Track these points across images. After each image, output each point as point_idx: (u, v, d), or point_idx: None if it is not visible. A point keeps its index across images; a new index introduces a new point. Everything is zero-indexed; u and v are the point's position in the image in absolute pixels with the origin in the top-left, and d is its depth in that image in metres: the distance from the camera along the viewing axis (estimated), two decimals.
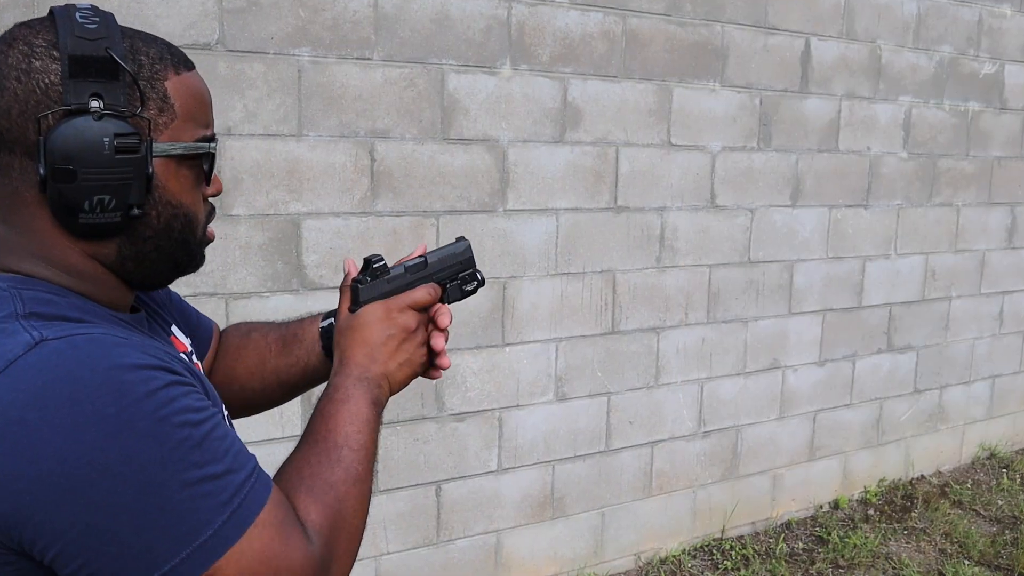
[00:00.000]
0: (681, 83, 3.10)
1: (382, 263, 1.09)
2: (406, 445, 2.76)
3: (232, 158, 2.37)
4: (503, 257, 2.82)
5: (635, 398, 3.21)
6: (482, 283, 1.20)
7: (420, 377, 1.12)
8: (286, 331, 1.24)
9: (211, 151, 0.89)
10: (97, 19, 0.81)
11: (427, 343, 1.10)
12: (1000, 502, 4.05)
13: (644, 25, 2.98)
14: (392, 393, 1.06)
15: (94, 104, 0.79)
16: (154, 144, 0.83)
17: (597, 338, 3.07)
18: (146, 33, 0.87)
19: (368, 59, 2.52)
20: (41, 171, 0.78)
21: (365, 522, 0.92)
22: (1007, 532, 3.75)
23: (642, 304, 3.15)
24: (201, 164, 0.90)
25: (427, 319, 1.09)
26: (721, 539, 3.56)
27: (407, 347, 1.06)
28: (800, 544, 3.61)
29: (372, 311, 1.06)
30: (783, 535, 3.65)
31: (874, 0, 3.55)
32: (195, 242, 0.92)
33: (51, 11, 0.82)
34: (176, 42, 2.27)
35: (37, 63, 0.78)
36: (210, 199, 0.95)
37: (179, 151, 0.86)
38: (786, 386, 3.62)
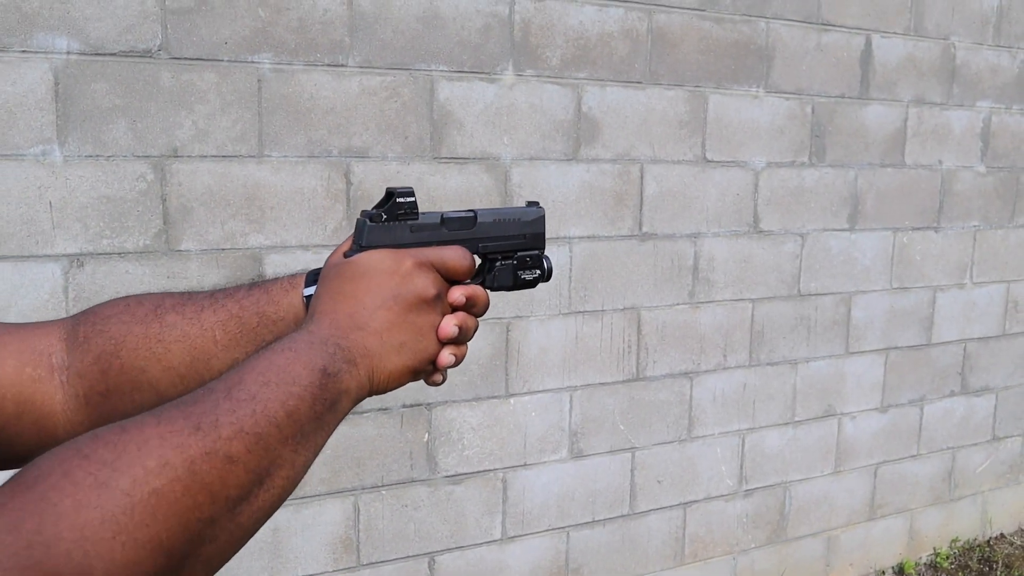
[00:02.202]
0: (718, 89, 2.67)
1: (411, 200, 0.77)
2: (392, 512, 2.38)
3: (180, 184, 2.02)
4: (506, 294, 2.43)
5: (664, 454, 2.78)
6: (547, 276, 0.85)
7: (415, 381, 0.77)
8: (239, 310, 0.81)
9: None
10: None
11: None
12: None
13: (674, 22, 2.57)
14: (373, 389, 0.71)
15: None
16: None
17: (619, 386, 2.66)
18: None
19: (342, 66, 2.15)
20: None
21: (219, 508, 0.55)
22: None
23: (672, 346, 2.72)
24: None
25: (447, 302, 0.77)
26: None
27: (413, 322, 0.73)
28: None
29: (377, 259, 0.74)
30: None
31: None
32: None
33: None
34: (110, 49, 1.93)
35: None
36: None
37: None
38: (842, 436, 3.16)
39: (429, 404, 2.38)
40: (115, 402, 0.80)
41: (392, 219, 0.76)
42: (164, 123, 2.00)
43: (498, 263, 0.83)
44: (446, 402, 2.40)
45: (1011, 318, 3.53)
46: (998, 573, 3.44)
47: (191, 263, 2.06)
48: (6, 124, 1.85)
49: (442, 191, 2.31)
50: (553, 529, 2.65)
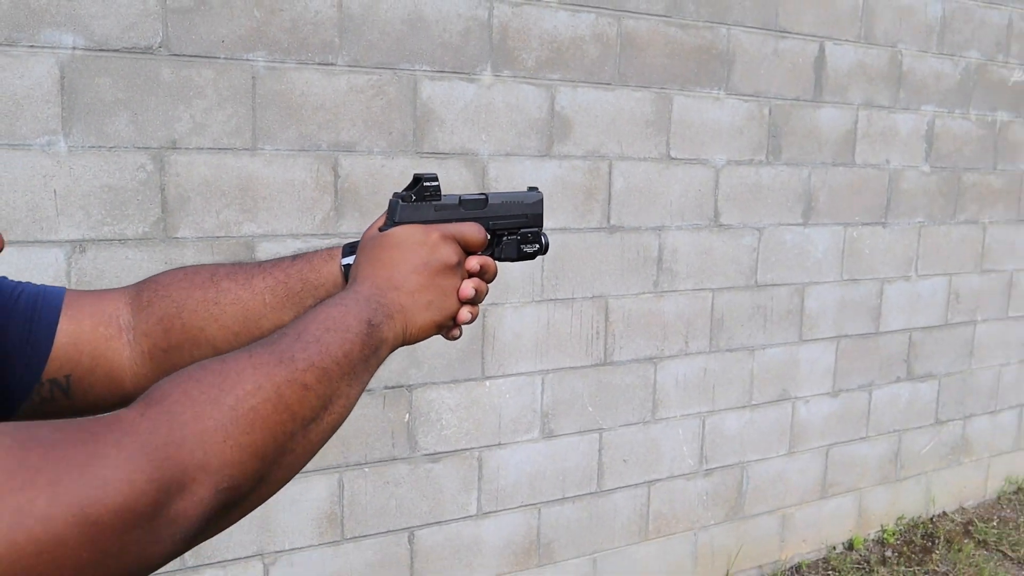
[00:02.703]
0: (682, 91, 2.84)
1: (435, 184, 0.91)
2: (375, 489, 2.51)
3: (178, 175, 2.13)
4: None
5: (630, 434, 2.95)
6: (545, 249, 1.00)
7: (438, 335, 0.92)
8: (285, 278, 0.95)
9: None
10: None
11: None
12: None
13: (641, 27, 2.73)
14: (406, 339, 0.86)
15: None
16: None
17: (587, 370, 2.81)
18: None
19: (332, 64, 2.28)
20: None
21: (294, 422, 0.68)
22: None
23: (637, 332, 2.89)
24: None
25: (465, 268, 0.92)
26: None
27: (439, 284, 0.88)
28: None
29: (408, 232, 0.89)
30: None
31: (895, 1, 3.28)
32: None
33: None
34: (113, 45, 2.04)
35: None
36: None
37: None
38: (796, 419, 3.35)
39: (410, 386, 2.52)
40: (176, 357, 0.93)
41: (420, 200, 0.90)
42: (163, 116, 2.11)
43: (504, 238, 0.97)
44: (426, 384, 2.54)
45: (953, 309, 3.75)
46: (940, 548, 3.65)
47: (187, 250, 2.17)
48: (14, 115, 1.95)
49: None
50: (526, 506, 2.79)
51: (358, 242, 0.94)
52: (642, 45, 2.74)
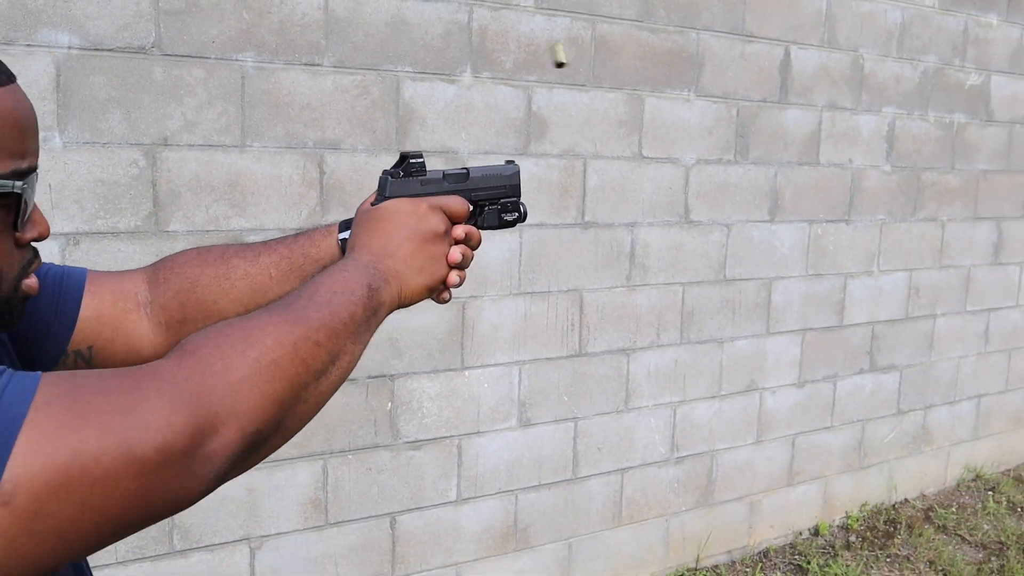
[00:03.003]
0: (654, 93, 2.96)
1: (420, 161, 0.99)
2: (358, 475, 2.60)
3: (169, 170, 2.21)
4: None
5: (604, 423, 3.06)
6: (524, 217, 1.09)
7: (429, 299, 1.01)
8: (288, 253, 1.05)
9: (16, 191, 0.73)
10: None
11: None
12: (986, 527, 3.92)
13: (614, 32, 2.84)
14: (401, 302, 0.95)
15: None
16: None
17: (563, 361, 2.92)
18: None
19: (318, 65, 2.37)
20: None
21: (307, 372, 0.77)
22: (993, 559, 3.61)
23: (611, 325, 3.00)
24: (11, 204, 0.73)
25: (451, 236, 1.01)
26: (696, 569, 3.41)
27: (429, 250, 0.97)
28: (778, 573, 3.46)
29: (398, 205, 0.98)
30: (760, 564, 3.50)
31: (857, 8, 3.42)
32: (0, 298, 0.76)
33: None
34: (108, 45, 2.12)
35: None
36: (32, 244, 0.79)
37: None
38: (764, 409, 3.48)
39: (392, 375, 2.61)
40: (190, 328, 1.03)
41: (407, 175, 0.99)
42: (156, 114, 2.18)
43: (486, 208, 1.06)
44: (407, 374, 2.63)
45: (913, 303, 3.90)
46: (901, 533, 3.80)
47: (178, 243, 2.25)
48: None
49: None
50: (503, 492, 2.89)
51: (352, 219, 1.03)
52: (615, 48, 2.85)
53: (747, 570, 3.45)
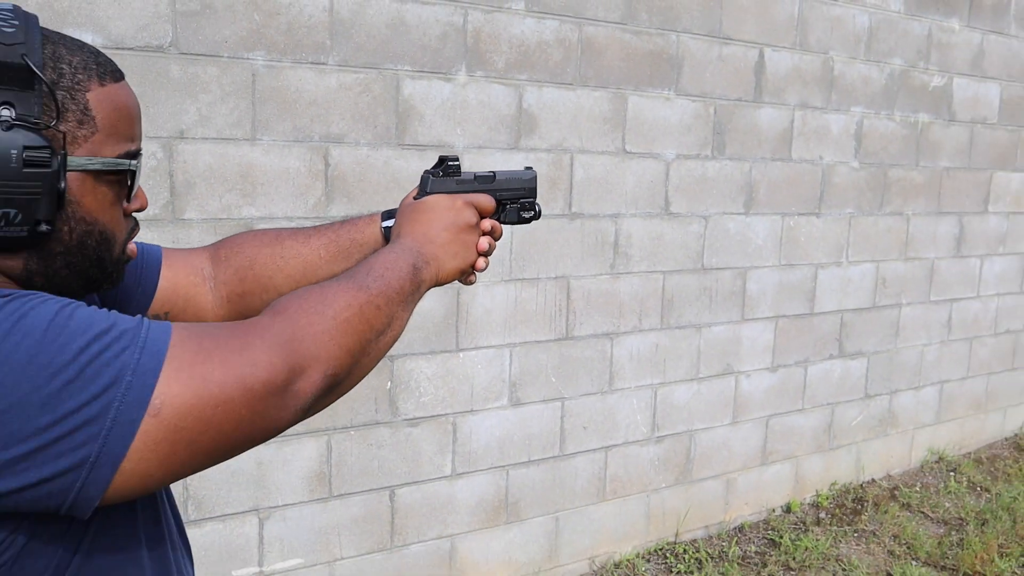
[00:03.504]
0: (636, 91, 3.13)
1: (456, 163, 1.16)
2: (360, 450, 2.75)
3: (185, 162, 2.36)
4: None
5: (589, 403, 3.23)
6: (538, 215, 1.26)
7: (456, 282, 1.18)
8: (336, 237, 1.21)
9: (132, 168, 0.87)
10: (16, 22, 0.78)
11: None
12: (947, 504, 4.14)
13: (599, 33, 3.01)
14: (438, 281, 1.11)
15: (4, 113, 0.76)
16: (70, 158, 0.80)
17: (551, 344, 3.09)
18: (73, 39, 0.85)
19: (323, 64, 2.52)
20: None
21: (370, 331, 0.92)
22: (953, 533, 3.83)
23: (596, 310, 3.18)
24: (123, 180, 0.88)
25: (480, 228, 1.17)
26: (675, 543, 3.60)
27: (463, 239, 1.13)
28: (752, 547, 3.66)
29: (438, 200, 1.14)
30: (736, 538, 3.70)
31: (827, 12, 3.62)
32: (111, 260, 0.89)
33: None
34: (128, 44, 2.26)
35: None
36: (133, 215, 0.94)
37: (97, 166, 0.83)
38: (739, 391, 3.67)
39: (392, 356, 2.77)
40: (249, 300, 1.19)
41: (445, 175, 1.16)
42: (172, 109, 2.33)
43: (508, 206, 1.23)
44: (406, 355, 2.79)
45: (880, 292, 4.11)
46: (868, 510, 4.01)
47: (193, 230, 2.40)
48: None
49: (405, 173, 2.69)
50: (495, 467, 3.06)
51: (394, 210, 1.20)
52: (600, 49, 3.03)
53: (723, 544, 3.64)
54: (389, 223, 1.20)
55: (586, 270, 3.13)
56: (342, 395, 0.94)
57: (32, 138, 0.77)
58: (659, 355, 3.39)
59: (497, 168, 1.20)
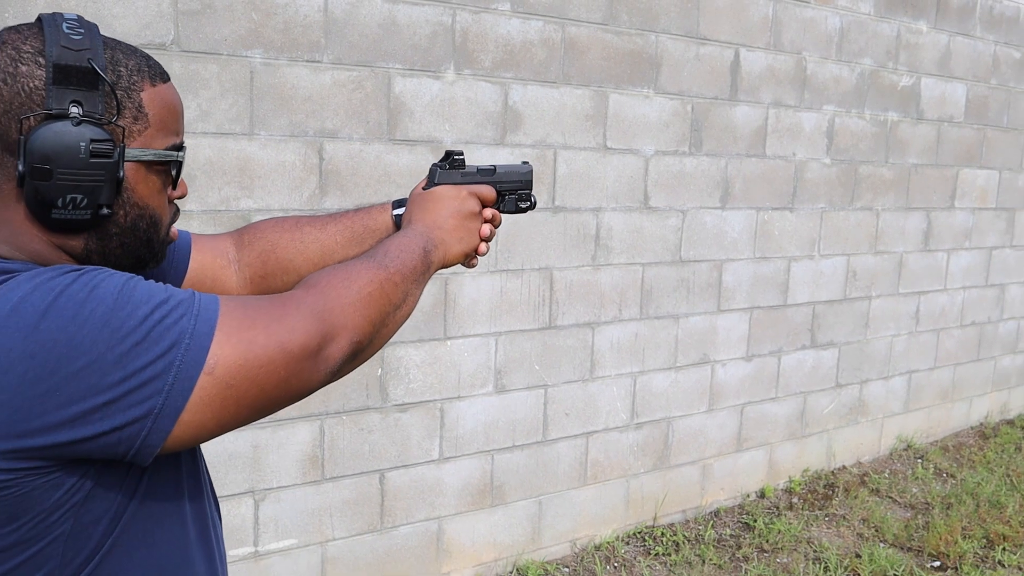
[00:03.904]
0: (617, 89, 3.25)
1: (461, 158, 1.28)
2: (351, 435, 2.86)
3: (186, 155, 2.45)
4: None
5: (571, 391, 3.35)
6: (534, 205, 1.37)
7: (460, 265, 1.28)
8: (350, 223, 1.31)
9: (179, 159, 0.98)
10: (82, 30, 0.88)
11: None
12: (914, 490, 4.30)
13: (582, 33, 3.13)
14: (445, 262, 1.22)
15: (74, 110, 0.86)
16: (126, 150, 0.91)
17: (535, 333, 3.21)
18: (127, 45, 0.95)
19: (318, 62, 2.62)
20: (20, 168, 0.85)
21: (389, 305, 1.03)
22: (919, 517, 3.99)
23: (578, 300, 3.30)
24: (169, 170, 0.99)
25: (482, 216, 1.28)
26: (653, 526, 3.73)
27: (467, 226, 1.24)
28: (728, 530, 3.79)
29: (445, 190, 1.25)
30: (712, 522, 3.83)
31: (800, 14, 3.76)
32: (158, 241, 1.00)
33: (39, 18, 0.89)
34: (132, 42, 2.35)
35: (24, 68, 0.85)
36: (175, 202, 1.04)
37: (149, 157, 0.94)
38: (715, 380, 3.81)
39: None
40: (270, 282, 1.30)
41: (451, 168, 1.27)
42: None
43: (507, 196, 1.34)
44: (395, 343, 2.90)
45: (851, 285, 4.26)
46: (839, 495, 4.16)
47: (193, 221, 2.49)
48: None
49: (395, 167, 2.80)
50: (481, 452, 3.17)
51: (403, 199, 1.31)
52: (583, 49, 3.15)
53: (700, 528, 3.78)
54: (399, 211, 1.31)
55: (568, 262, 3.24)
56: (363, 362, 1.05)
57: (97, 132, 0.88)
58: (638, 344, 3.51)
59: (496, 163, 1.31)
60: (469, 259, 1.29)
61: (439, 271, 1.29)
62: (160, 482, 0.95)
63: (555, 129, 3.12)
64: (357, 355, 1.00)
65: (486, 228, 1.28)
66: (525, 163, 1.37)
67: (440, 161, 1.28)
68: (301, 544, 2.82)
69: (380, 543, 2.99)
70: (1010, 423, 5.37)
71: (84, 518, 0.85)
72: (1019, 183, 5.01)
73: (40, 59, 0.86)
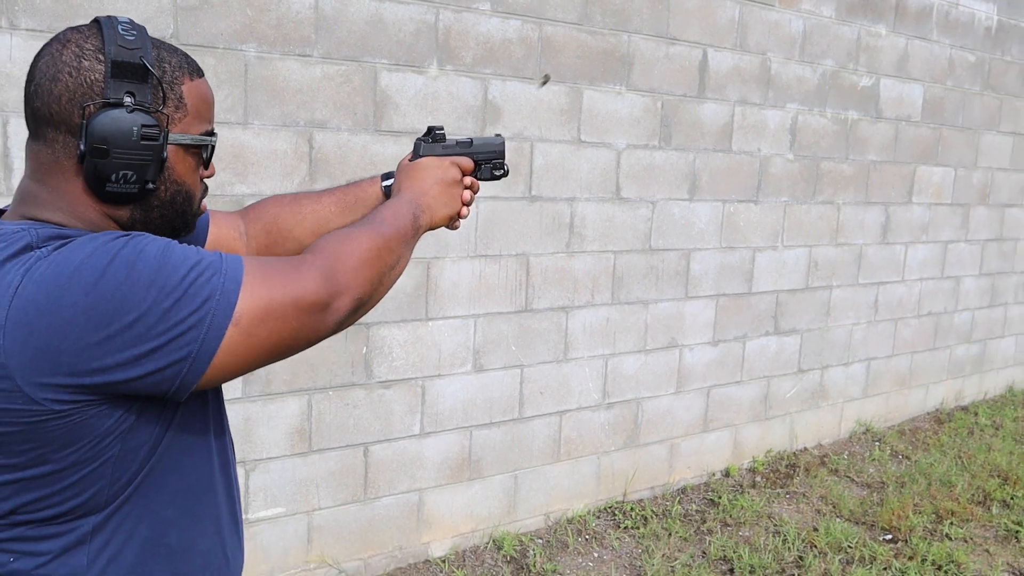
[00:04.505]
0: (591, 86, 3.44)
1: (442, 132, 1.44)
2: (337, 409, 3.02)
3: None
4: (427, 239, 3.11)
5: (545, 371, 3.54)
6: (507, 173, 1.54)
7: (444, 228, 1.43)
8: (343, 195, 1.46)
9: (212, 143, 1.15)
10: (135, 32, 1.04)
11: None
12: (871, 470, 4.52)
13: (558, 32, 3.31)
14: (432, 225, 1.36)
15: (128, 100, 1.03)
16: (169, 135, 1.07)
17: (512, 315, 3.39)
18: (169, 44, 1.12)
19: (309, 56, 2.78)
20: (81, 147, 1.02)
21: (385, 266, 1.18)
22: (874, 495, 4.21)
23: (552, 285, 3.48)
24: (202, 152, 1.15)
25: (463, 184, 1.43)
26: (623, 501, 3.92)
27: (450, 192, 1.39)
28: (694, 506, 3.99)
29: (429, 161, 1.40)
30: (679, 498, 4.03)
31: (765, 17, 3.96)
32: (191, 213, 1.16)
33: (96, 20, 1.06)
34: None
35: (86, 63, 1.02)
36: (205, 180, 1.21)
37: (187, 141, 1.09)
38: (683, 363, 4.00)
39: (367, 323, 3.04)
40: (274, 250, 1.47)
41: (434, 142, 1.44)
42: None
43: (483, 166, 1.51)
44: (380, 323, 3.06)
45: (812, 275, 4.47)
46: (800, 475, 4.37)
47: None
48: None
49: (381, 157, 2.96)
50: (460, 428, 3.35)
51: (391, 172, 1.48)
52: (559, 47, 3.32)
53: (667, 504, 3.98)
54: (388, 183, 1.48)
55: (544, 248, 3.42)
56: (363, 315, 1.22)
57: (146, 119, 1.04)
58: (610, 328, 3.70)
59: (472, 136, 1.48)
60: (453, 222, 1.45)
61: (426, 235, 1.46)
62: (191, 419, 1.11)
63: (532, 123, 3.30)
64: (357, 310, 1.17)
65: (467, 194, 1.44)
66: (498, 135, 1.54)
67: (423, 135, 1.44)
68: (289, 513, 2.98)
69: (363, 513, 3.15)
70: (964, 409, 5.62)
71: (130, 443, 1.02)
72: (973, 180, 5.25)
73: (100, 56, 1.02)
